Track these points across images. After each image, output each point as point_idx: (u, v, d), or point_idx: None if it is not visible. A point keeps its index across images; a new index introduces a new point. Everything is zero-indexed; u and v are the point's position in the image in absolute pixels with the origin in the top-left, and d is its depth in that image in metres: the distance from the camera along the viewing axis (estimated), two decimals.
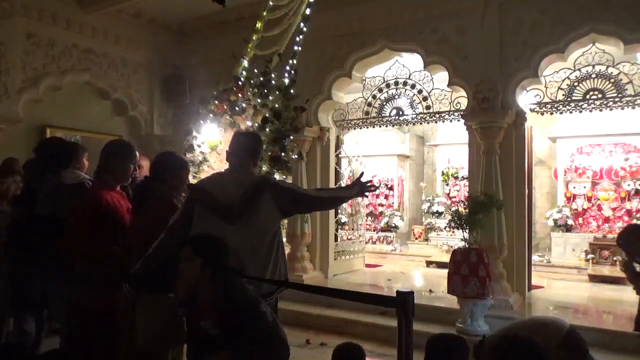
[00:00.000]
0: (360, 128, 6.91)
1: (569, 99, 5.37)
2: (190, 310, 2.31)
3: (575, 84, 5.32)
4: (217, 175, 2.71)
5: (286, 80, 4.40)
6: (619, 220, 8.33)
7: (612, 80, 5.17)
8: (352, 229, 8.02)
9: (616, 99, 5.17)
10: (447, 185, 10.65)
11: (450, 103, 5.99)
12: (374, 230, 10.68)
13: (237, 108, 3.53)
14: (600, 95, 5.23)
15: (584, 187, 8.68)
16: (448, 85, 5.82)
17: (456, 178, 10.49)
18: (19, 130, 6.12)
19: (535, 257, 7.88)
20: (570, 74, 5.34)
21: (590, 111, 5.45)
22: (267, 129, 3.44)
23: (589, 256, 7.79)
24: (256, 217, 2.48)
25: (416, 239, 10.39)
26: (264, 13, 4.69)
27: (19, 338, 3.55)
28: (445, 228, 9.26)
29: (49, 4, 6.30)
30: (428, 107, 6.08)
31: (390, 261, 9.38)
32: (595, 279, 7.26)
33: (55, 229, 2.90)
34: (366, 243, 9.12)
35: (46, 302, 3.44)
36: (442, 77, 5.92)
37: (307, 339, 4.96)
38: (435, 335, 2.34)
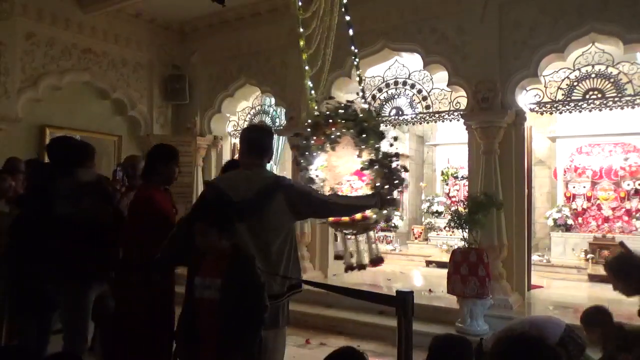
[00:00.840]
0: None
1: (568, 99, 5.37)
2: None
3: (575, 83, 5.32)
4: (231, 174, 2.70)
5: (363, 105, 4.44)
6: (618, 220, 8.33)
7: (611, 80, 5.17)
8: None
9: (616, 99, 5.17)
10: (447, 185, 10.66)
11: (449, 103, 5.99)
12: (374, 230, 10.66)
13: (332, 137, 3.79)
14: (599, 95, 5.23)
15: (584, 186, 8.68)
16: (448, 85, 5.82)
17: (456, 178, 10.49)
18: (18, 130, 6.12)
19: (534, 257, 7.88)
20: (570, 73, 5.34)
21: (590, 111, 5.45)
22: (376, 166, 3.70)
23: (589, 256, 7.79)
24: (267, 216, 2.44)
25: (416, 238, 10.39)
26: (300, 30, 4.68)
27: (22, 340, 3.49)
28: (445, 228, 9.24)
29: (49, 3, 6.30)
30: (428, 107, 6.08)
31: (390, 261, 9.37)
32: (594, 278, 7.25)
33: (75, 229, 3.01)
34: (366, 243, 9.10)
35: (53, 304, 3.42)
36: (441, 76, 5.92)
37: (307, 338, 4.96)
38: (440, 335, 2.32)
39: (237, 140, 8.01)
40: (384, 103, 6.39)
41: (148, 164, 3.12)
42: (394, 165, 3.71)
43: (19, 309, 3.46)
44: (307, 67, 4.66)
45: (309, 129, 3.98)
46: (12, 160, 4.38)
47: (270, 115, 7.70)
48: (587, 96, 5.28)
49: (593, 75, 5.25)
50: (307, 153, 3.99)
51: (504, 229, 5.22)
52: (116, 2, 6.46)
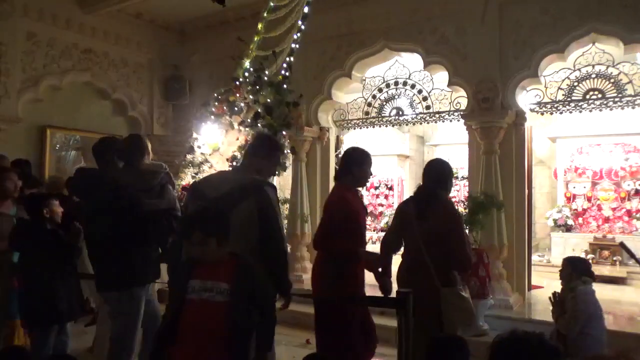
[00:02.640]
0: (360, 128, 6.91)
1: (568, 99, 5.37)
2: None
3: (575, 83, 5.32)
4: (218, 172, 2.79)
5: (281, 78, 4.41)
6: (618, 220, 8.33)
7: (612, 80, 5.16)
8: None
9: (616, 99, 5.17)
10: None
11: (450, 103, 5.99)
12: (374, 230, 10.67)
13: (236, 108, 3.56)
14: (600, 95, 5.22)
15: (584, 187, 8.67)
16: (448, 85, 5.82)
17: (456, 178, 10.48)
18: (19, 131, 6.12)
19: (535, 257, 7.87)
20: (570, 73, 5.33)
21: (590, 111, 5.45)
22: (258, 125, 3.48)
23: (589, 256, 7.78)
24: (236, 217, 2.38)
25: None
26: (265, 14, 4.68)
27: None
28: None
29: (49, 4, 6.30)
30: (428, 107, 6.08)
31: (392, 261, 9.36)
32: (595, 279, 7.25)
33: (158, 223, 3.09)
34: (366, 243, 9.11)
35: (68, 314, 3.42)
36: (442, 77, 5.92)
37: (307, 339, 4.96)
38: (437, 336, 2.34)
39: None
40: (385, 103, 6.39)
41: (344, 166, 3.28)
42: (282, 136, 3.60)
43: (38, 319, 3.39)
44: (252, 47, 4.58)
45: (215, 95, 3.81)
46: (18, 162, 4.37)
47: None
48: (588, 96, 5.28)
49: (593, 76, 5.25)
50: (203, 124, 3.84)
51: (504, 229, 5.22)
52: (117, 2, 6.47)
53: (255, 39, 4.58)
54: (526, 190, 5.55)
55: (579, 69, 5.29)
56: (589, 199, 8.60)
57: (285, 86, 4.00)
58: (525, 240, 5.52)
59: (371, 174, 3.40)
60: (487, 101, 5.31)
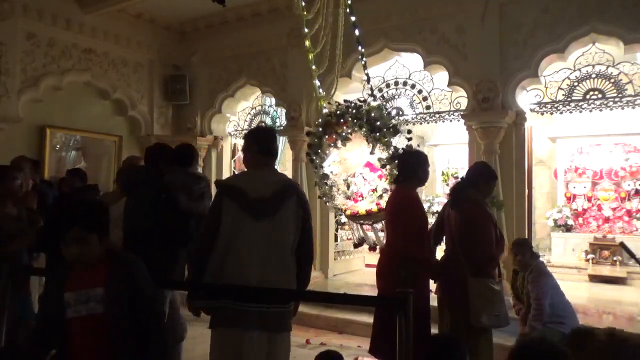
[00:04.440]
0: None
1: (569, 99, 5.37)
2: None
3: (575, 83, 5.32)
4: (245, 173, 2.69)
5: (372, 103, 4.47)
6: (619, 220, 8.32)
7: (612, 80, 5.16)
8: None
9: (616, 99, 5.17)
10: (447, 185, 10.63)
11: (450, 103, 6.00)
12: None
13: (344, 134, 3.91)
14: (600, 95, 5.22)
15: (584, 187, 8.67)
16: (448, 85, 5.81)
17: (456, 178, 10.47)
18: (19, 130, 6.13)
19: None
20: (570, 73, 5.33)
21: (590, 111, 5.45)
22: (395, 162, 3.84)
23: (589, 256, 7.78)
24: (283, 216, 2.45)
25: None
26: (306, 30, 4.72)
27: None
28: None
29: (49, 4, 6.30)
30: (428, 107, 6.08)
31: None
32: (595, 279, 7.25)
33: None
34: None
35: None
36: (442, 77, 5.92)
37: (307, 339, 4.96)
38: (434, 335, 2.35)
39: (236, 141, 8.02)
40: (385, 103, 6.38)
41: (409, 168, 3.41)
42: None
43: None
44: (314, 67, 4.70)
45: (320, 129, 4.02)
46: (19, 159, 4.33)
47: (270, 116, 7.70)
48: (588, 96, 5.28)
49: (593, 76, 5.25)
50: (319, 151, 4.04)
51: (505, 229, 5.21)
52: (117, 2, 6.46)
53: (310, 57, 4.67)
54: (526, 190, 5.54)
55: (579, 69, 5.29)
56: (589, 199, 8.59)
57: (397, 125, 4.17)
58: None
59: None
60: (487, 101, 5.31)
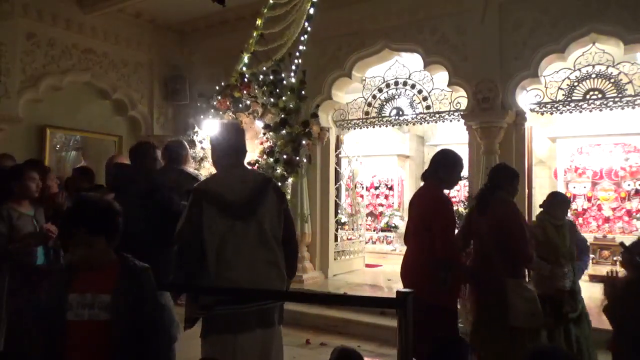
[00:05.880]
0: (360, 128, 6.91)
1: (569, 99, 5.37)
2: None
3: (575, 84, 5.32)
4: (220, 174, 2.61)
5: (293, 80, 4.32)
6: (619, 220, 8.32)
7: (612, 80, 5.16)
8: (352, 229, 8.02)
9: (616, 99, 5.17)
10: None
11: (450, 103, 6.00)
12: (374, 230, 10.66)
13: (240, 105, 3.56)
14: (600, 95, 5.22)
15: (584, 187, 8.66)
16: (448, 85, 5.82)
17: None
18: (19, 130, 6.13)
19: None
20: (570, 74, 5.33)
21: (590, 111, 5.45)
22: (283, 131, 3.48)
23: (590, 256, 7.78)
24: (264, 213, 2.44)
25: None
26: (264, 10, 4.67)
27: None
28: None
29: (49, 4, 6.30)
30: (428, 107, 6.08)
31: (390, 261, 9.36)
32: (595, 279, 7.23)
33: None
34: (366, 243, 9.11)
35: None
36: (442, 77, 5.92)
37: (307, 339, 4.96)
38: (437, 336, 2.35)
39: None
40: (385, 103, 6.39)
41: (433, 164, 3.39)
42: (304, 144, 3.57)
43: None
44: (251, 41, 4.54)
45: (217, 87, 3.74)
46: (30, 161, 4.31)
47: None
48: (588, 96, 5.28)
49: (593, 76, 5.24)
50: (202, 116, 3.77)
51: None
52: (116, 2, 6.46)
53: (255, 33, 4.56)
54: (526, 190, 5.55)
55: (579, 69, 5.29)
56: (589, 199, 8.59)
57: (303, 92, 3.93)
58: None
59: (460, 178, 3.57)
60: (487, 101, 5.31)
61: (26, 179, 3.39)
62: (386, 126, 6.92)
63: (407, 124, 8.01)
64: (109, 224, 1.88)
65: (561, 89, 5.41)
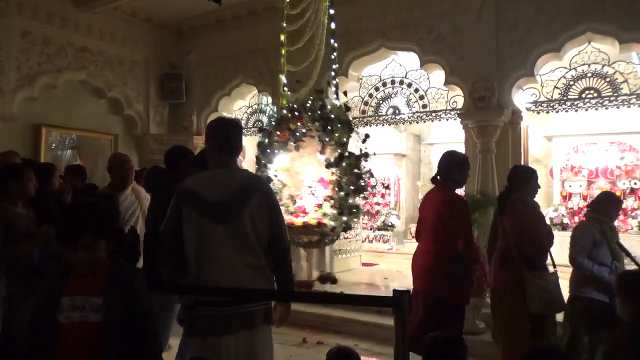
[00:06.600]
0: (357, 127, 6.90)
1: (564, 98, 5.38)
2: None
3: (571, 82, 5.33)
4: (205, 173, 2.51)
5: (337, 102, 4.27)
6: None
7: (607, 79, 5.17)
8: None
9: (612, 98, 5.18)
10: None
11: (446, 102, 6.00)
12: (371, 229, 10.68)
13: (297, 134, 3.71)
14: (596, 94, 5.24)
15: (580, 185, 8.70)
16: (444, 84, 5.82)
17: None
18: (14, 129, 6.10)
19: None
20: (566, 72, 5.34)
21: (586, 110, 5.46)
22: (344, 164, 3.66)
23: None
24: (247, 217, 2.31)
25: (412, 237, 10.40)
26: (283, 24, 4.65)
27: None
28: None
29: (44, 2, 6.27)
30: (424, 106, 6.09)
31: (387, 260, 9.39)
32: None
33: None
34: (363, 242, 9.13)
35: None
36: (438, 76, 5.93)
37: (304, 337, 4.96)
38: (434, 334, 2.35)
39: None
40: (381, 102, 6.39)
41: (444, 168, 3.55)
42: (363, 166, 3.65)
43: None
44: (283, 61, 4.56)
45: (272, 123, 3.89)
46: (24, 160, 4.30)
47: (267, 115, 7.68)
48: (583, 95, 5.29)
49: (589, 75, 5.26)
50: (268, 150, 3.90)
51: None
52: (112, 0, 6.43)
53: (283, 51, 4.55)
54: None
55: (575, 68, 5.30)
56: (584, 198, 8.62)
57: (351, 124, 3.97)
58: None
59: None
60: (483, 100, 5.32)
61: (24, 179, 3.34)
62: (382, 125, 6.92)
63: (403, 123, 8.01)
64: (110, 227, 1.89)
65: (557, 87, 5.42)
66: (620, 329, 2.52)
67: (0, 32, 5.90)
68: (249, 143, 7.57)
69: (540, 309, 3.35)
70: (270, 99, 7.37)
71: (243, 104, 7.84)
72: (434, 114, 6.12)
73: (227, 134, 2.48)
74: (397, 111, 6.31)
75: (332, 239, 4.07)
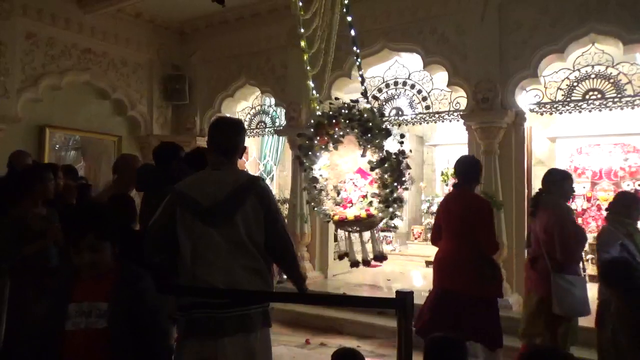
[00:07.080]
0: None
1: (568, 99, 5.37)
2: None
3: (575, 84, 5.32)
4: (200, 175, 2.49)
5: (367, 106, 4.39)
6: None
7: (611, 81, 5.16)
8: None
9: (615, 99, 5.17)
10: (447, 185, 10.63)
11: (449, 103, 6.00)
12: (376, 229, 10.65)
13: (336, 136, 3.89)
14: (599, 96, 5.23)
15: (584, 187, 8.67)
16: (447, 85, 5.82)
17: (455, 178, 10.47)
18: (18, 130, 6.12)
19: None
20: (570, 74, 5.34)
21: (590, 111, 5.45)
22: (386, 166, 3.84)
23: (589, 256, 7.77)
24: (241, 219, 2.29)
25: (415, 239, 10.37)
26: (301, 30, 4.69)
27: None
28: None
29: (49, 3, 6.30)
30: (427, 107, 6.08)
31: (390, 261, 9.32)
32: (594, 279, 7.22)
33: None
34: (365, 243, 9.10)
35: None
36: (441, 77, 5.92)
37: (307, 338, 4.96)
38: (434, 335, 2.35)
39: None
40: (384, 103, 6.39)
41: (470, 172, 3.74)
42: (402, 163, 3.79)
43: None
44: (308, 68, 4.66)
45: (312, 129, 4.01)
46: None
47: (270, 116, 7.69)
48: (587, 96, 5.28)
49: (593, 76, 5.25)
50: (310, 153, 4.02)
51: (504, 229, 5.22)
52: (116, 2, 6.46)
53: (305, 57, 4.64)
54: (526, 190, 5.54)
55: (579, 69, 5.29)
56: (588, 199, 8.59)
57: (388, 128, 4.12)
58: (525, 240, 5.51)
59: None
60: (486, 101, 5.31)
61: (44, 179, 3.40)
62: (391, 125, 6.91)
63: (406, 124, 8.00)
64: (115, 229, 1.87)
65: (560, 89, 5.41)
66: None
67: (5, 33, 5.93)
68: (252, 144, 7.58)
69: (560, 311, 3.46)
70: (273, 100, 7.38)
71: (246, 105, 7.86)
72: (437, 115, 6.12)
73: (223, 135, 2.46)
74: (400, 112, 6.31)
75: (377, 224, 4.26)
